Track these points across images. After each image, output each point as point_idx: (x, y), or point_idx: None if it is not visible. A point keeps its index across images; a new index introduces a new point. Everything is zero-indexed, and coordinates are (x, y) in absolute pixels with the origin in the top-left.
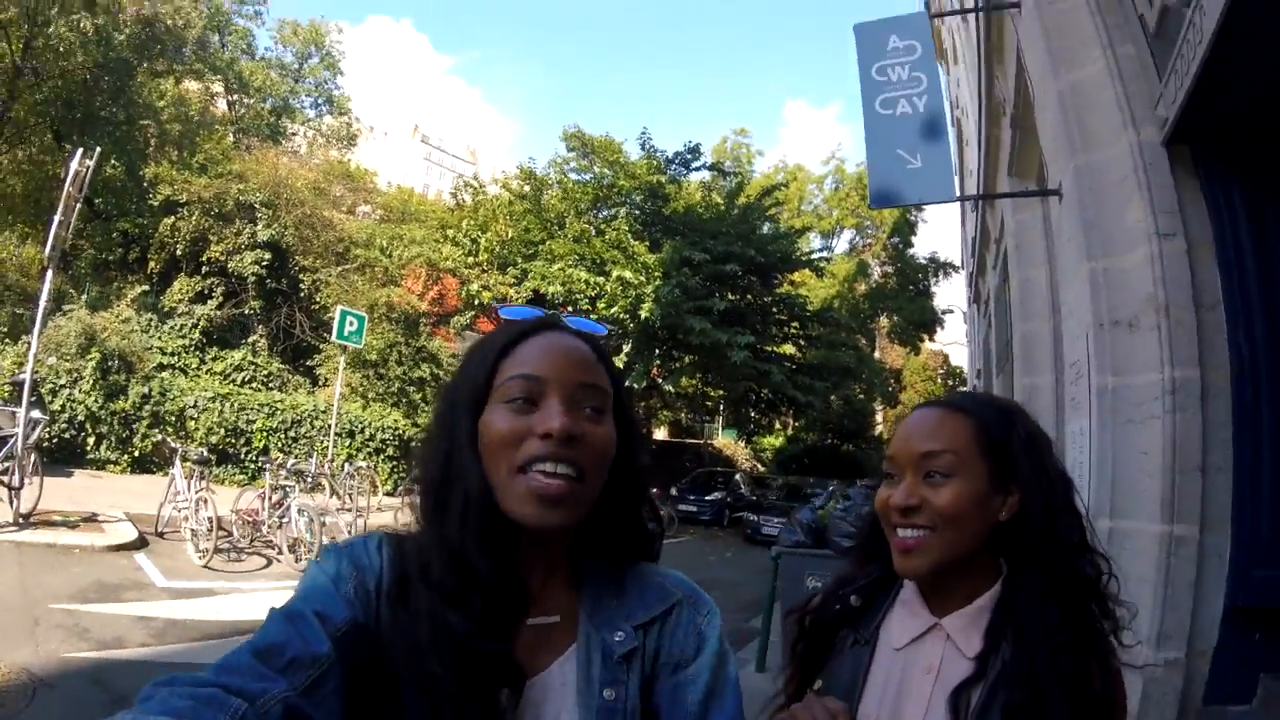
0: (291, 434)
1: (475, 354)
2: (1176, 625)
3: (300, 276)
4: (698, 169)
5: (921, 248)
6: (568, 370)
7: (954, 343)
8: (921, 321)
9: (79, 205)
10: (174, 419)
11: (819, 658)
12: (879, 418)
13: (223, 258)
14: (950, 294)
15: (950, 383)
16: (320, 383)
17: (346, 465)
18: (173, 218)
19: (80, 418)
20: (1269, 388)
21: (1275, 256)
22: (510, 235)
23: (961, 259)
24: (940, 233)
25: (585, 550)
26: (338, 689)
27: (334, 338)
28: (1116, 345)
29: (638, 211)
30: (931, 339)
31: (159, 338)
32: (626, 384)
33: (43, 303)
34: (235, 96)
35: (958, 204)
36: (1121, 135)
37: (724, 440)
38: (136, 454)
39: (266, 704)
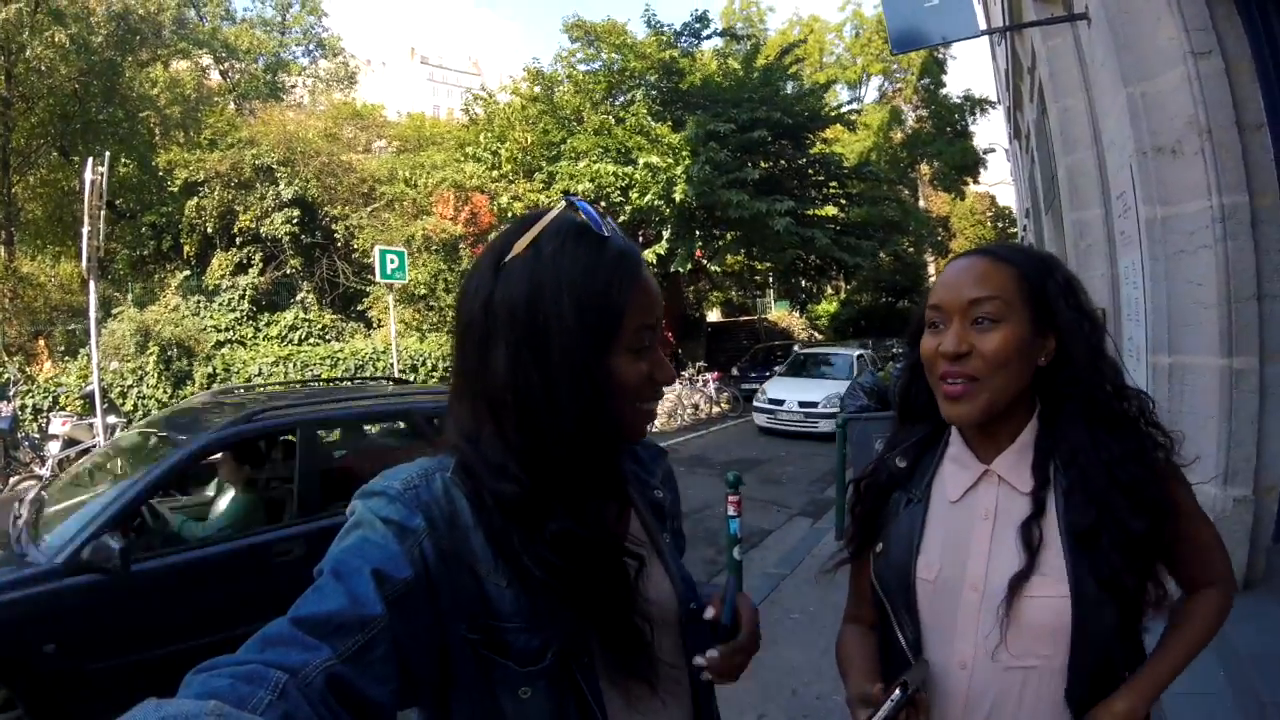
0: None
1: (597, 282)
2: (1243, 462)
3: (332, 226)
4: (709, 38)
5: (954, 86)
6: (663, 312)
7: (1000, 183)
8: (963, 164)
9: (102, 212)
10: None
11: (875, 519)
12: (931, 269)
13: (253, 225)
14: (990, 131)
15: (1000, 224)
16: (374, 325)
17: None
18: (195, 199)
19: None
20: None
21: None
22: (530, 140)
23: (997, 93)
24: (972, 67)
25: None
26: (390, 655)
27: (377, 278)
28: (1161, 173)
29: (654, 92)
30: (976, 181)
31: (210, 316)
32: (672, 269)
33: (92, 313)
34: (226, 65)
35: (984, 37)
36: None
37: (778, 313)
38: None
39: (309, 675)
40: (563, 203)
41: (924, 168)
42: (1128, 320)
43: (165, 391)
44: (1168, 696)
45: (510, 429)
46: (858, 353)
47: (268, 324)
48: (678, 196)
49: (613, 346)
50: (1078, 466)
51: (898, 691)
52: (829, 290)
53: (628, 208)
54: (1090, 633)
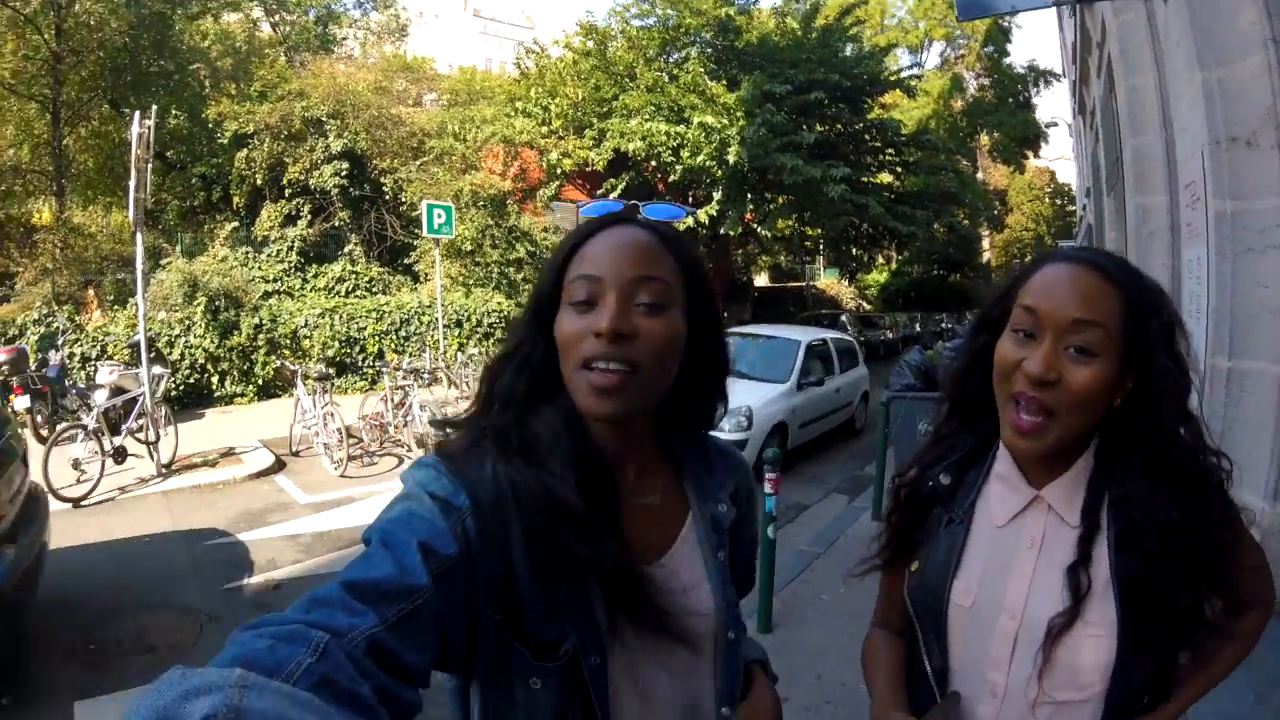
0: (402, 334)
1: (552, 255)
2: None
3: (381, 179)
4: None
5: (1018, 55)
6: (624, 266)
7: (1060, 158)
8: (1024, 137)
9: (150, 164)
10: (289, 342)
11: (912, 530)
12: (985, 244)
13: (302, 177)
14: (1053, 105)
15: (1059, 202)
16: (421, 279)
17: (459, 355)
18: (245, 150)
19: (201, 361)
20: None
21: None
22: (581, 96)
23: (1062, 66)
24: (1038, 38)
25: (669, 427)
26: (431, 625)
27: (425, 233)
28: (1235, 165)
29: (710, 50)
30: (1036, 155)
31: (258, 268)
32: (722, 231)
33: (139, 264)
34: (277, 17)
35: (1054, 8)
36: None
37: (827, 280)
38: (260, 383)
39: (354, 638)
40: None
41: (983, 138)
42: (1187, 317)
43: (212, 342)
44: (1196, 716)
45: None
46: (809, 339)
47: (315, 275)
48: (731, 158)
49: (559, 305)
50: (1133, 520)
51: None
52: (880, 260)
53: (679, 167)
54: (1129, 674)
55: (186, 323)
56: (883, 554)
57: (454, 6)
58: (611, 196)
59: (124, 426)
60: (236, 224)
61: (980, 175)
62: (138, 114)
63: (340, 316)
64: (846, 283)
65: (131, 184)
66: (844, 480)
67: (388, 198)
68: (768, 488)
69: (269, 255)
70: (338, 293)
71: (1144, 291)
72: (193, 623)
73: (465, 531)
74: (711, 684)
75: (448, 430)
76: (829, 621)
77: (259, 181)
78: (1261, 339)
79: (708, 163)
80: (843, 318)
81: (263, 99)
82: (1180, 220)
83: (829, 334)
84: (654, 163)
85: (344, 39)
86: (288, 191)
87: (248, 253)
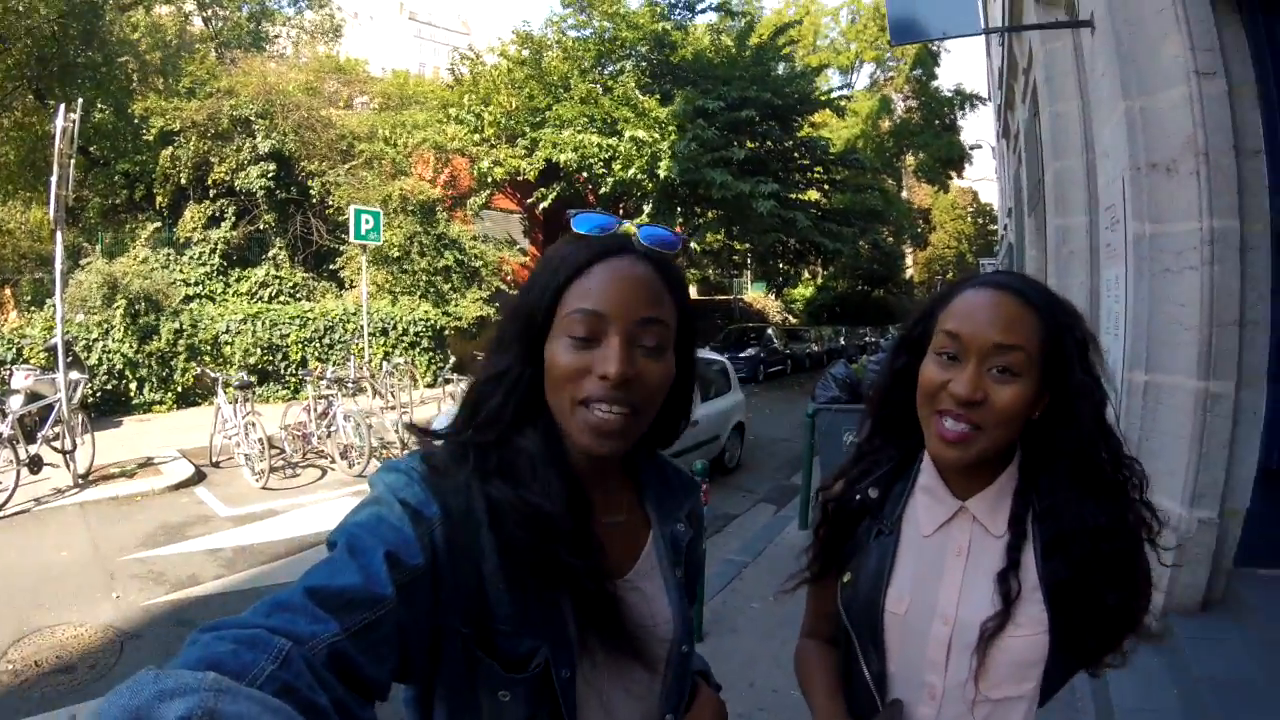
0: (326, 341)
1: (543, 274)
2: (1210, 484)
3: (308, 182)
4: (703, 11)
5: (946, 79)
6: (630, 305)
7: (983, 179)
8: (949, 158)
9: (73, 159)
10: (209, 348)
11: (840, 544)
12: (909, 260)
13: (228, 177)
14: (978, 128)
15: (981, 221)
16: (346, 285)
17: (385, 364)
18: (170, 148)
19: (119, 366)
20: None
21: None
22: (514, 105)
23: (989, 90)
24: (965, 63)
25: (635, 450)
26: (393, 636)
27: (352, 238)
28: (1154, 190)
29: (644, 64)
30: (960, 176)
31: (180, 270)
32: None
33: (58, 263)
34: (210, 11)
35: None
36: None
37: (754, 294)
38: (179, 390)
39: (315, 646)
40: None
41: (909, 158)
42: (1106, 333)
43: (131, 347)
44: (1121, 713)
45: (483, 414)
46: None
47: (238, 280)
48: (661, 172)
49: (548, 333)
50: (1060, 529)
51: None
52: (806, 275)
53: (610, 180)
54: (1058, 672)
55: (105, 326)
56: (812, 567)
57: (389, 9)
58: (543, 206)
59: (39, 434)
60: (159, 224)
61: (905, 194)
62: (63, 106)
63: (263, 323)
64: (773, 297)
65: (54, 179)
66: (771, 490)
67: (314, 201)
68: None
69: (191, 258)
70: (261, 298)
71: (1059, 312)
72: (112, 641)
73: (434, 542)
74: (661, 700)
75: (426, 438)
76: (759, 629)
77: (183, 181)
78: (1178, 354)
79: (639, 176)
80: (769, 330)
81: (191, 96)
82: (1099, 241)
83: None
84: (585, 174)
85: (277, 37)
86: (212, 192)
87: (169, 254)
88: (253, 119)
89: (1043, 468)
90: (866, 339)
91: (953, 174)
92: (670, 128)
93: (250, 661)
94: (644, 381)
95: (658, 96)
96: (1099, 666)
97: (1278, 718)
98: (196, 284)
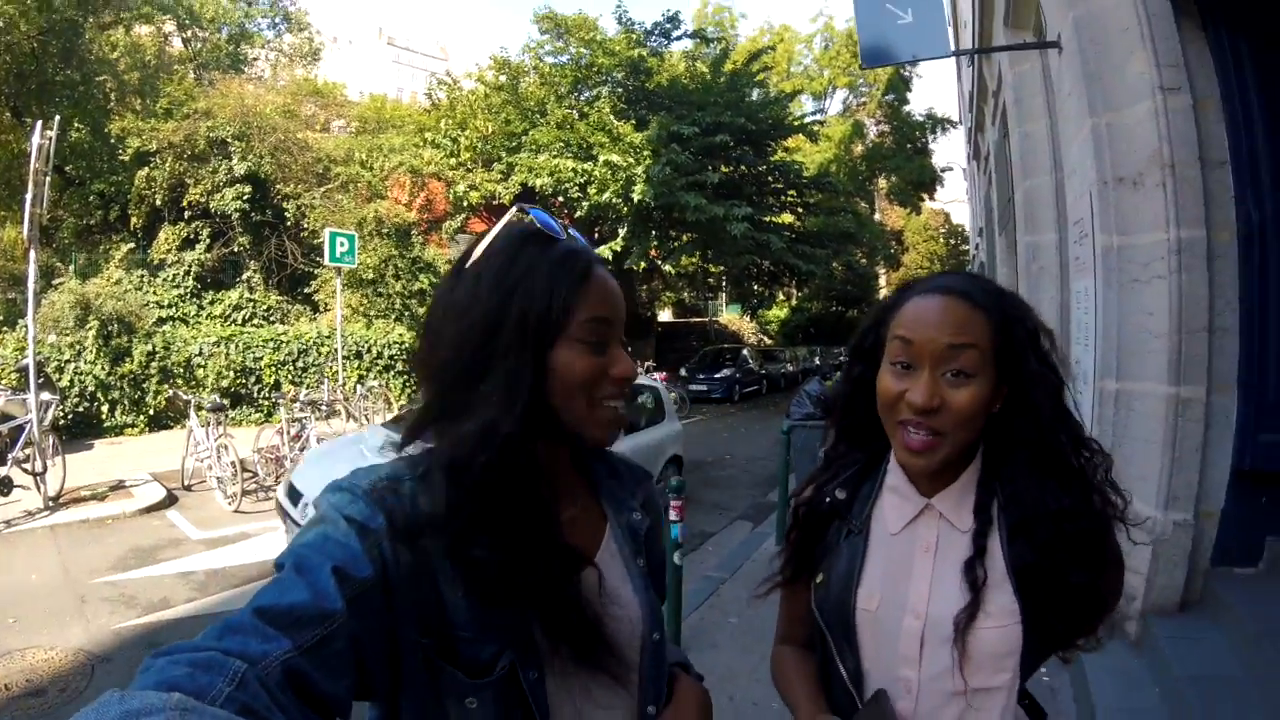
0: (300, 364)
1: (538, 279)
2: (1184, 487)
3: (284, 205)
4: (679, 39)
5: (918, 103)
6: (623, 313)
7: (955, 200)
8: (921, 180)
9: (49, 177)
10: (182, 370)
11: (812, 546)
12: (882, 281)
13: (203, 199)
14: (949, 151)
15: (953, 242)
16: (321, 309)
17: (359, 387)
18: (146, 169)
19: (90, 389)
20: (1277, 248)
21: None
22: (491, 130)
23: (959, 114)
24: (937, 87)
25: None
26: (347, 651)
27: (326, 261)
28: (1121, 203)
29: (620, 90)
30: (932, 198)
31: (153, 292)
32: (626, 267)
33: (31, 283)
34: (190, 33)
35: (953, 58)
36: None
37: (729, 316)
38: (151, 413)
39: (269, 665)
40: (514, 210)
41: (882, 181)
42: (1076, 344)
43: (103, 369)
44: (1103, 713)
45: (460, 427)
46: None
47: (211, 302)
48: (636, 196)
49: (557, 341)
50: (1024, 514)
51: None
52: (780, 296)
53: (585, 204)
54: (1034, 659)
55: (77, 348)
56: (785, 570)
57: (368, 33)
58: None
59: (10, 456)
60: (133, 245)
61: (878, 216)
62: (39, 124)
63: (236, 345)
64: (748, 318)
65: (29, 197)
66: (748, 507)
67: (289, 224)
68: (673, 514)
69: (165, 279)
70: (234, 321)
71: (1007, 306)
72: (83, 665)
73: (382, 554)
74: (639, 692)
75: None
76: (738, 644)
77: (158, 202)
78: (1147, 362)
79: (614, 200)
80: (744, 351)
81: (168, 116)
82: (1069, 256)
83: None
84: (561, 198)
85: (255, 59)
86: (187, 214)
87: (143, 276)
88: (229, 141)
89: (1005, 458)
90: (840, 358)
91: (924, 196)
92: (645, 152)
93: (206, 684)
94: (632, 378)
95: (633, 122)
96: (1071, 650)
97: (1258, 712)
98: (170, 306)
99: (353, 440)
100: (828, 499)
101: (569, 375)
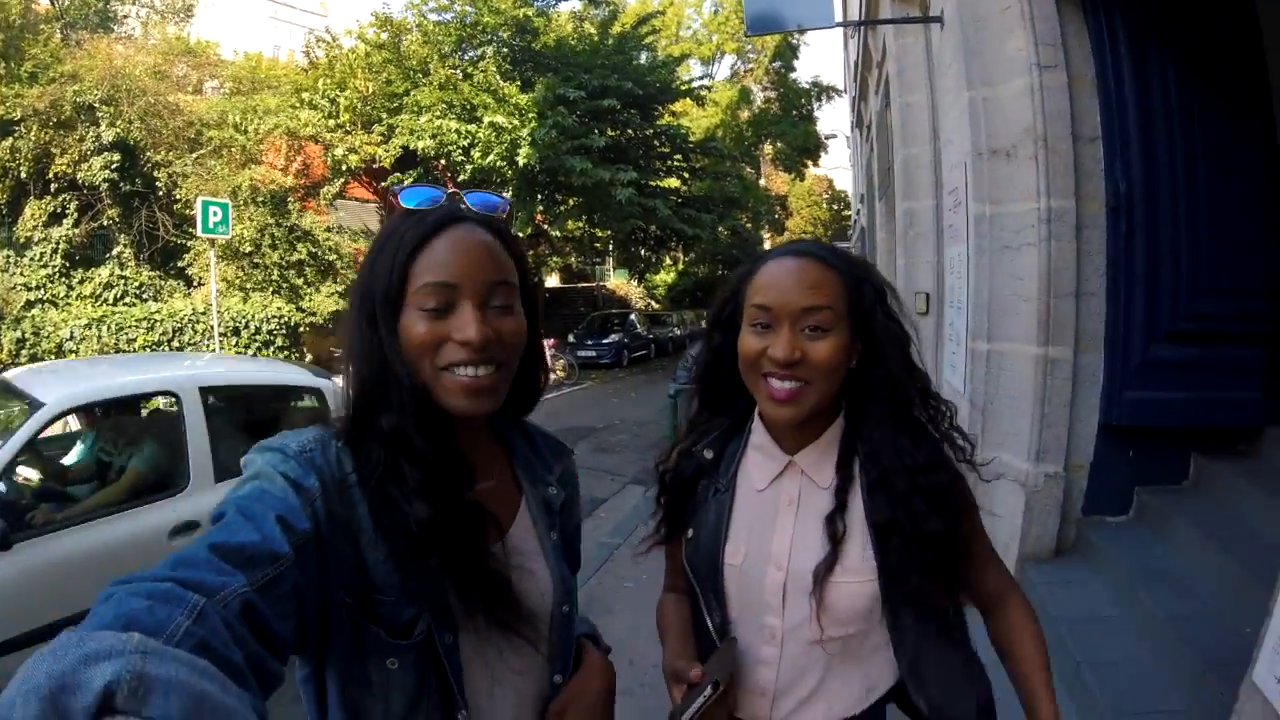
0: (175, 344)
1: (383, 253)
2: (1054, 441)
3: (154, 173)
4: None
5: (804, 72)
6: (478, 272)
7: (838, 167)
8: (806, 147)
9: None
10: (54, 356)
11: (682, 507)
12: (767, 245)
13: (70, 170)
14: (834, 119)
15: (836, 207)
16: (195, 283)
17: None
18: (10, 139)
19: None
20: (1143, 220)
21: (1155, 93)
22: (371, 90)
23: (844, 83)
24: (823, 56)
25: (499, 414)
26: (292, 596)
27: (199, 232)
28: (994, 174)
29: (506, 50)
30: (816, 164)
31: (20, 273)
32: (512, 232)
33: None
34: None
35: (840, 28)
36: None
37: (616, 281)
38: None
39: (226, 598)
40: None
41: (767, 147)
42: (950, 307)
43: None
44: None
45: (366, 400)
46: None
47: (81, 281)
48: (521, 159)
49: (401, 309)
50: (880, 468)
51: (709, 689)
52: (667, 260)
53: (469, 167)
54: (901, 610)
55: None
56: (659, 530)
57: None
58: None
59: None
60: None
61: (763, 181)
62: None
63: (109, 327)
64: (636, 283)
65: None
66: (639, 472)
67: (160, 194)
68: None
69: (32, 259)
70: (106, 300)
71: (854, 266)
72: None
73: (315, 513)
74: (549, 659)
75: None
76: (635, 607)
77: (23, 175)
78: (1018, 323)
79: (498, 163)
80: (632, 316)
81: (33, 81)
82: (944, 222)
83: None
84: (443, 161)
85: (125, 17)
86: (54, 187)
87: (9, 257)
88: (97, 106)
89: (863, 414)
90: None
91: (809, 162)
92: (530, 115)
93: (165, 618)
94: (502, 339)
95: (518, 83)
96: (933, 605)
97: (1130, 647)
98: (38, 288)
99: None
100: (695, 459)
101: (409, 340)
